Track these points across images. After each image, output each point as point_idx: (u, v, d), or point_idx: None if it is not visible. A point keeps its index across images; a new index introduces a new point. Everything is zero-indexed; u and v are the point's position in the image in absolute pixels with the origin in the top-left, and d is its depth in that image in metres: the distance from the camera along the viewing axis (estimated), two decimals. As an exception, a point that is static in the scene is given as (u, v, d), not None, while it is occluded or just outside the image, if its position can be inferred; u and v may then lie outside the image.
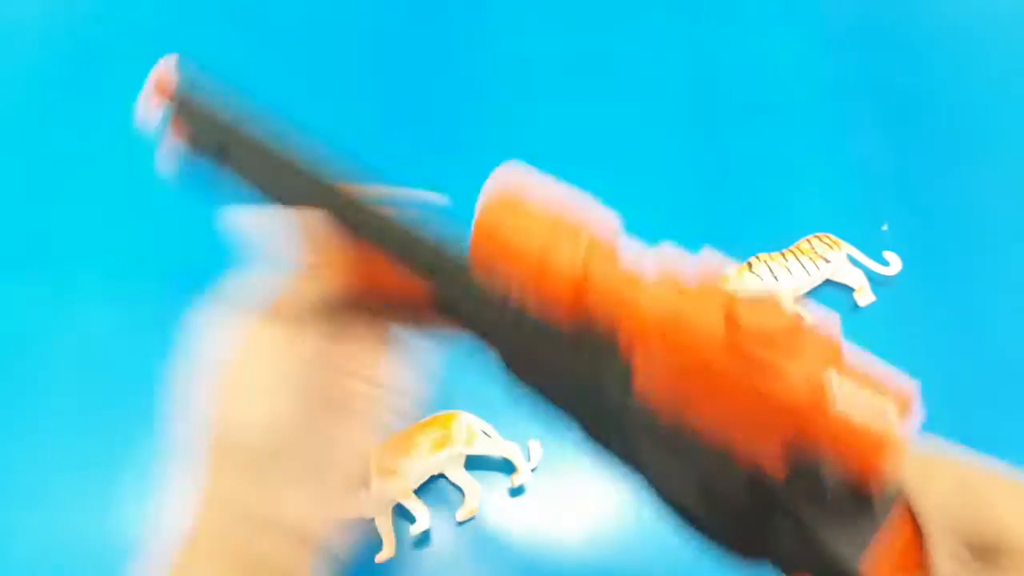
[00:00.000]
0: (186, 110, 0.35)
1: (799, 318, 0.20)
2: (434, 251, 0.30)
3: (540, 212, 0.24)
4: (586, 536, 0.46)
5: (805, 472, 0.22)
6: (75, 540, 0.45)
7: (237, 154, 0.34)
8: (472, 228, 0.24)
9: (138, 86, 0.57)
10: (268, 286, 0.32)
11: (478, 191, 0.29)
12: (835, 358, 0.20)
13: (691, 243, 0.59)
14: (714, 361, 0.20)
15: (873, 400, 0.20)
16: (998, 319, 0.53)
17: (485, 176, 0.28)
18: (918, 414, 0.20)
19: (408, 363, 0.38)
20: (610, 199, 0.60)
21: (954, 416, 0.49)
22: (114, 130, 0.59)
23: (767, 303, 0.21)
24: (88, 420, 0.48)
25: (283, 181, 0.33)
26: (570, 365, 0.27)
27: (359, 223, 0.31)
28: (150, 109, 0.36)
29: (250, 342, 0.31)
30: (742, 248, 0.53)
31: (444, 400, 0.48)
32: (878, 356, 0.55)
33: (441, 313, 0.33)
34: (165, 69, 0.35)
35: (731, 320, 0.20)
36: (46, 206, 0.56)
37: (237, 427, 0.30)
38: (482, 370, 0.50)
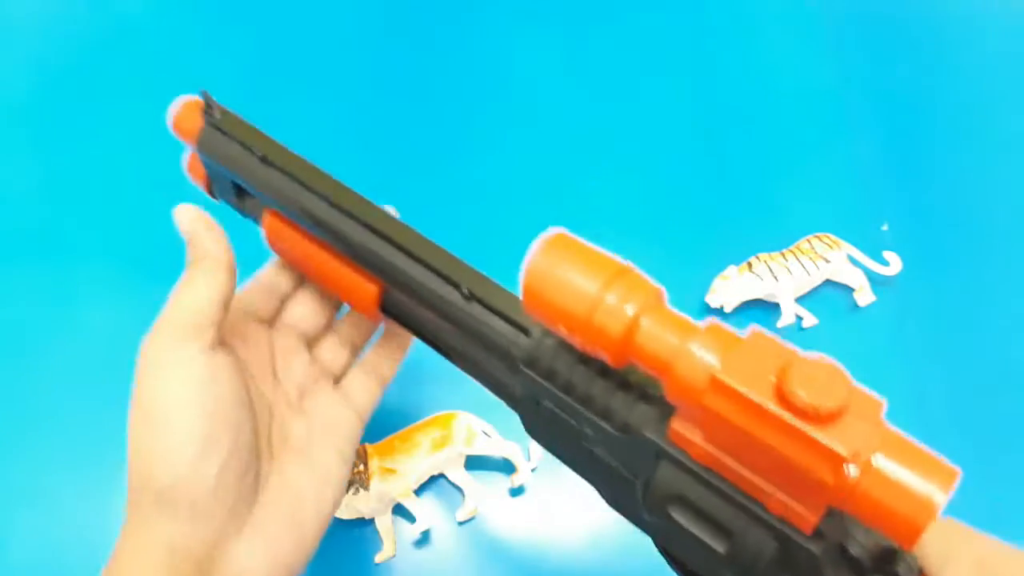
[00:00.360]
0: (207, 145, 0.34)
1: (852, 391, 0.20)
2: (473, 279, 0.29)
3: (590, 265, 0.23)
4: (586, 536, 0.46)
5: (835, 534, 0.22)
6: (75, 540, 0.45)
7: (253, 177, 0.33)
8: (521, 281, 0.23)
9: (139, 86, 0.57)
10: (169, 300, 0.31)
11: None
12: (881, 435, 0.20)
13: (691, 243, 0.60)
14: (759, 425, 0.20)
15: (914, 481, 0.19)
16: (998, 319, 0.53)
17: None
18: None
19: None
20: (610, 199, 0.60)
21: (954, 416, 0.50)
22: (115, 129, 0.59)
23: (823, 375, 0.20)
24: (88, 420, 0.48)
25: (311, 211, 0.32)
26: (603, 404, 0.26)
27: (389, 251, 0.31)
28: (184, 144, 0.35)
29: (155, 364, 0.30)
30: (742, 248, 0.53)
31: (444, 400, 0.48)
32: (878, 356, 0.56)
33: (450, 355, 0.33)
34: (188, 106, 0.35)
35: (782, 389, 0.19)
36: (46, 205, 0.56)
37: (155, 462, 0.28)
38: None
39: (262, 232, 0.36)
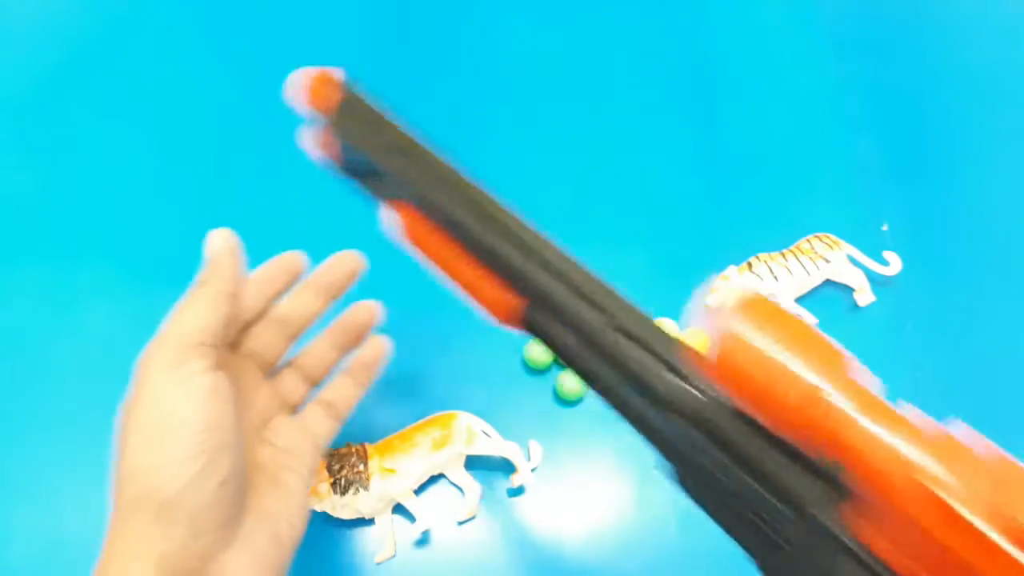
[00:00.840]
0: (344, 122, 0.33)
1: None
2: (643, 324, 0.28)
3: (804, 348, 0.21)
4: (586, 536, 0.46)
5: None
6: (75, 539, 0.45)
7: (394, 167, 0.32)
8: (714, 346, 0.21)
9: (140, 86, 0.56)
10: (167, 320, 0.32)
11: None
12: None
13: (692, 243, 0.60)
14: (968, 546, 0.18)
15: None
16: (998, 319, 0.53)
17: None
18: None
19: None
20: (610, 199, 0.60)
21: (954, 416, 0.50)
22: (115, 129, 0.59)
23: None
24: (88, 419, 0.48)
25: (448, 202, 0.31)
26: (777, 480, 0.24)
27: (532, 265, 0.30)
28: (306, 114, 0.34)
29: (159, 378, 0.30)
30: (742, 248, 0.53)
31: (444, 400, 0.48)
32: (878, 356, 0.56)
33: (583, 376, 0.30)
34: (325, 78, 0.33)
35: (999, 507, 0.17)
36: (48, 205, 0.56)
37: (146, 475, 0.29)
38: (482, 370, 0.51)
39: (392, 221, 0.34)
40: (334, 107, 0.33)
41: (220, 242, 0.34)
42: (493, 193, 0.31)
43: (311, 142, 0.36)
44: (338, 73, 0.33)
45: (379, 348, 0.42)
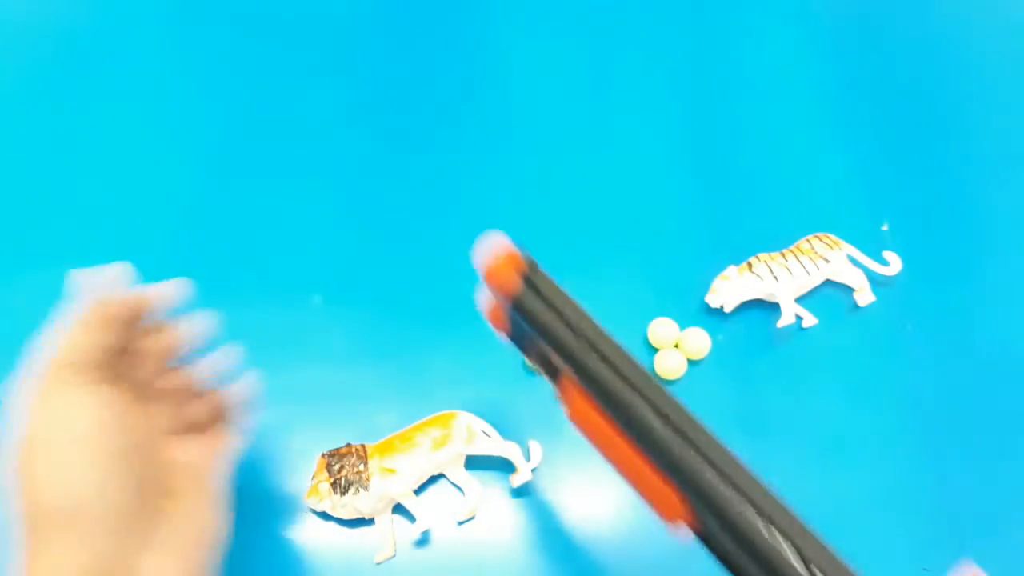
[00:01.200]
0: (523, 308, 0.33)
1: None
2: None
3: None
4: (586, 536, 0.46)
5: None
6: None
7: (569, 349, 0.32)
8: None
9: (142, 85, 0.56)
10: (53, 342, 0.33)
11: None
12: None
13: (692, 243, 0.60)
14: None
15: None
16: (998, 319, 0.53)
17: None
18: None
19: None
20: (610, 199, 0.60)
21: (954, 416, 0.50)
22: (114, 129, 0.59)
23: None
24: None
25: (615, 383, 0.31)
26: None
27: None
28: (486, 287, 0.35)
29: (49, 397, 0.31)
30: (742, 248, 0.53)
31: (444, 400, 0.48)
32: (878, 356, 0.56)
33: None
34: (506, 259, 0.33)
35: None
36: (48, 204, 0.56)
37: (51, 492, 0.30)
38: (482, 370, 0.51)
39: (562, 403, 0.34)
40: (512, 290, 0.33)
41: (111, 270, 0.35)
42: (666, 389, 0.30)
43: (485, 309, 0.37)
44: (522, 252, 0.33)
45: (245, 390, 0.41)
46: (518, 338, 0.36)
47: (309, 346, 0.50)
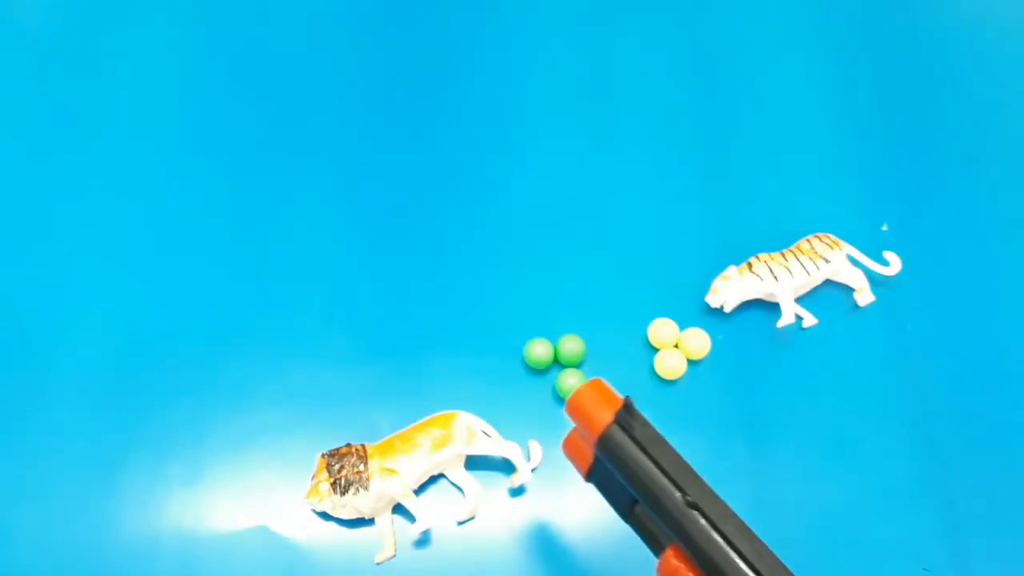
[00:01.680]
0: (610, 448, 0.32)
1: None
2: None
3: None
4: (586, 536, 0.46)
5: None
6: (75, 539, 0.45)
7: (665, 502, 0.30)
8: None
9: (142, 85, 0.56)
10: None
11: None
12: None
13: (691, 243, 0.60)
14: None
15: None
16: (998, 319, 0.53)
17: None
18: None
19: None
20: (610, 199, 0.60)
21: (953, 416, 0.50)
22: (113, 128, 0.59)
23: None
24: (89, 420, 0.48)
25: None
26: None
27: None
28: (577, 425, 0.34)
29: None
30: (742, 248, 0.53)
31: (444, 400, 0.48)
32: (878, 356, 0.56)
33: None
34: (600, 394, 0.32)
35: None
36: (50, 203, 0.56)
37: None
38: (482, 370, 0.51)
39: (657, 566, 0.32)
40: (601, 425, 0.32)
41: None
42: (767, 547, 0.29)
43: (562, 444, 0.36)
44: (607, 385, 0.33)
45: None
46: (600, 477, 0.34)
47: (309, 346, 0.50)
